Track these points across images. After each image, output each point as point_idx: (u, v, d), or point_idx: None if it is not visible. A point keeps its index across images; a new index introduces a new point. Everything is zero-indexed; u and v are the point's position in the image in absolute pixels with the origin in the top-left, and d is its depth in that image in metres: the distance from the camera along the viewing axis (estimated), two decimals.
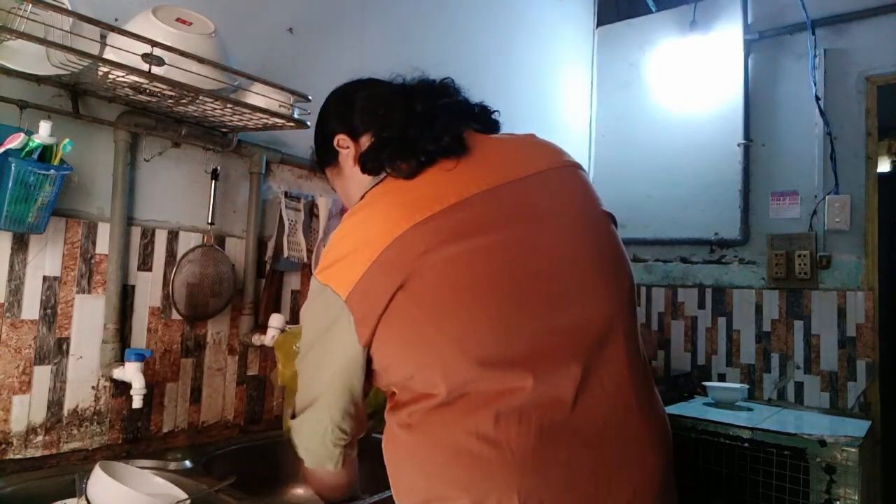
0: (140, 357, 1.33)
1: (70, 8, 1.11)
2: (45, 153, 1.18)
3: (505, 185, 0.87)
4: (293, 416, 0.97)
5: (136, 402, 1.31)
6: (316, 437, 0.92)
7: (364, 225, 0.86)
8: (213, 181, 1.58)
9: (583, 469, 0.81)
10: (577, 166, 0.97)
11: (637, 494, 0.84)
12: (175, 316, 1.53)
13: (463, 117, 0.97)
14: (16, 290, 1.26)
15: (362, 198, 0.93)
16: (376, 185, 0.93)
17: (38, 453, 1.29)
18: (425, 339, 0.81)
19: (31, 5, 1.05)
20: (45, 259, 1.31)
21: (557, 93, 3.15)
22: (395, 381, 0.86)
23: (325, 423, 0.90)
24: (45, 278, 1.31)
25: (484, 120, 1.01)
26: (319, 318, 0.87)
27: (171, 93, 1.26)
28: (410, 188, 0.87)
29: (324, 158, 1.11)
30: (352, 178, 1.04)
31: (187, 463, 1.35)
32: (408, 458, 0.86)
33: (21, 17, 1.06)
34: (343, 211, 1.95)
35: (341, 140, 1.04)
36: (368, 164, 0.95)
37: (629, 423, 0.85)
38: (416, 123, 0.92)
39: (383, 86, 1.05)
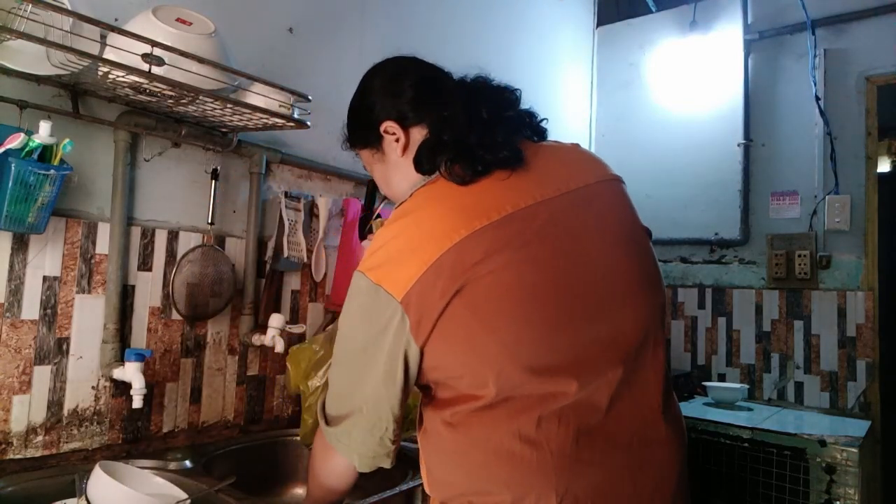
0: (140, 357, 1.33)
1: (70, 8, 1.11)
2: (45, 153, 1.18)
3: (555, 197, 0.89)
4: (328, 423, 0.94)
5: (136, 402, 1.31)
6: (373, 438, 0.90)
7: (420, 226, 0.85)
8: (213, 181, 1.58)
9: (614, 470, 0.85)
10: (619, 180, 1.00)
11: (658, 492, 0.89)
12: (175, 316, 1.53)
13: (521, 128, 0.97)
14: (16, 290, 1.26)
15: (411, 196, 0.92)
16: (426, 184, 0.92)
17: (38, 453, 1.29)
18: (479, 345, 0.82)
19: (31, 5, 1.05)
20: (45, 259, 1.31)
21: (557, 93, 3.15)
22: (440, 379, 0.87)
23: (384, 422, 0.88)
24: (45, 278, 1.31)
25: (535, 128, 1.00)
26: (372, 319, 0.85)
27: (171, 93, 1.26)
28: (466, 194, 0.87)
29: (362, 139, 1.06)
30: (397, 167, 1.01)
31: (187, 463, 1.35)
32: (449, 454, 0.88)
33: (21, 17, 1.06)
34: (343, 211, 1.95)
35: (390, 127, 0.99)
36: (425, 163, 0.93)
37: (656, 427, 0.90)
38: (478, 129, 0.91)
39: (441, 77, 1.03)
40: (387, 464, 0.93)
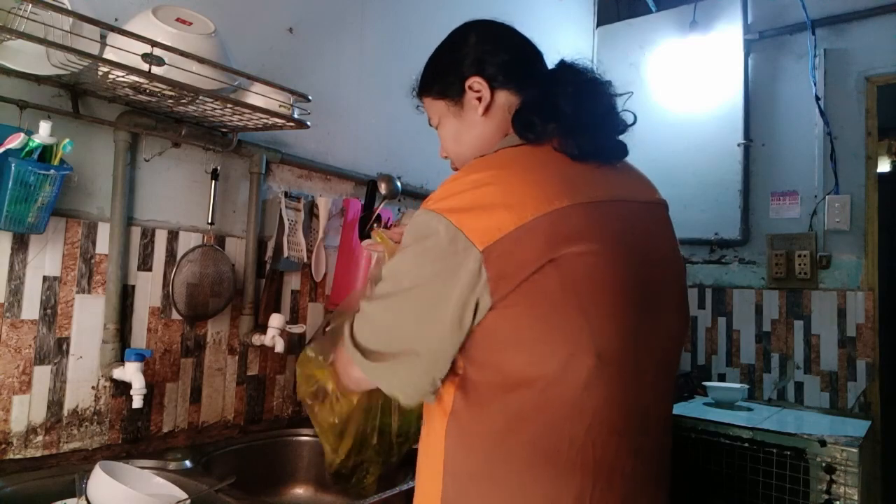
0: (140, 357, 1.33)
1: (70, 8, 1.11)
2: (45, 153, 1.18)
3: (635, 202, 0.90)
4: (366, 356, 0.86)
5: (136, 402, 1.31)
6: (426, 379, 0.83)
7: (517, 181, 0.81)
8: (213, 181, 1.58)
9: (638, 479, 0.85)
10: (667, 205, 1.01)
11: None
12: (175, 316, 1.53)
13: (623, 128, 0.96)
14: (16, 290, 1.26)
15: (499, 151, 0.89)
16: (520, 145, 0.89)
17: (38, 453, 1.29)
18: (562, 321, 0.78)
19: (31, 5, 1.05)
20: (45, 259, 1.31)
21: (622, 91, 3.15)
22: (495, 352, 0.81)
23: (441, 364, 0.83)
24: (45, 278, 1.31)
25: (626, 128, 0.99)
26: (444, 263, 0.79)
27: (171, 93, 1.26)
28: (571, 166, 0.85)
29: (441, 88, 1.01)
30: (473, 125, 0.98)
31: (187, 463, 1.35)
32: (485, 444, 0.83)
33: (21, 17, 1.06)
34: (343, 211, 1.95)
35: (476, 83, 0.96)
36: (537, 127, 0.88)
37: (666, 437, 0.92)
38: (597, 114, 0.90)
39: (538, 51, 1.03)
40: (431, 399, 0.86)
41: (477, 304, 0.78)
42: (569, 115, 0.88)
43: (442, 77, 1.01)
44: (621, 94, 0.96)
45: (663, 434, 0.91)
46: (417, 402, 0.87)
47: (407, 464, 1.46)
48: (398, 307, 0.84)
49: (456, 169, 1.03)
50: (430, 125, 1.07)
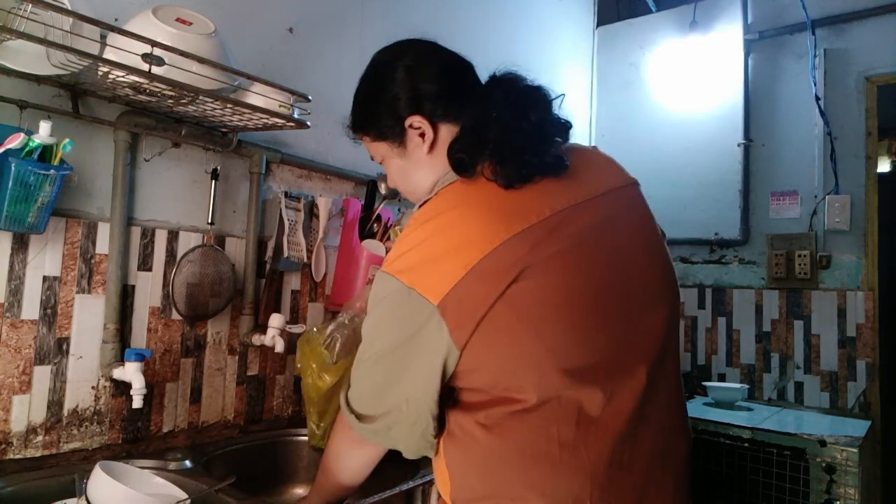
0: (140, 357, 1.33)
1: (70, 8, 1.11)
2: (45, 153, 1.18)
3: (588, 200, 0.88)
4: (360, 419, 0.92)
5: (136, 402, 1.31)
6: (414, 435, 0.88)
7: (457, 227, 0.82)
8: (213, 181, 1.58)
9: (642, 476, 0.86)
10: (637, 184, 1.00)
11: (677, 498, 0.92)
12: (175, 316, 1.53)
13: (560, 132, 0.94)
14: (16, 290, 1.26)
15: (438, 194, 0.89)
16: (455, 183, 0.88)
17: (38, 453, 1.29)
18: (522, 349, 0.80)
19: (31, 5, 1.05)
20: (45, 259, 1.31)
21: (557, 93, 3.14)
22: (475, 382, 0.85)
23: (424, 420, 0.86)
24: (45, 278, 1.31)
25: (564, 130, 0.97)
26: (404, 323, 0.83)
27: (171, 93, 1.26)
28: (504, 196, 0.84)
29: (378, 131, 0.98)
30: (420, 165, 0.96)
31: (187, 463, 1.35)
32: (480, 457, 0.86)
33: (21, 17, 1.06)
34: (343, 211, 1.95)
35: (416, 122, 0.94)
36: (467, 163, 0.87)
37: (676, 431, 0.94)
38: (527, 133, 0.88)
39: (469, 68, 0.99)
40: (431, 454, 0.91)
41: (446, 358, 0.82)
42: (497, 142, 0.86)
43: (377, 119, 0.98)
44: (555, 98, 0.95)
45: (669, 419, 0.91)
46: (420, 454, 0.92)
47: (406, 463, 1.46)
48: (377, 369, 0.89)
49: (409, 200, 1.06)
50: (373, 160, 1.06)
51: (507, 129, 0.87)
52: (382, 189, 1.91)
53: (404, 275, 0.82)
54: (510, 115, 0.89)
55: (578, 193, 0.88)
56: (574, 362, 0.81)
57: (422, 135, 0.95)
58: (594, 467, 0.81)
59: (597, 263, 0.85)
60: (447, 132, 0.95)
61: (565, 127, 0.95)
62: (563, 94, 0.96)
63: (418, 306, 0.80)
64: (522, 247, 0.80)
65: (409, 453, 0.92)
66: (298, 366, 1.52)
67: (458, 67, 0.99)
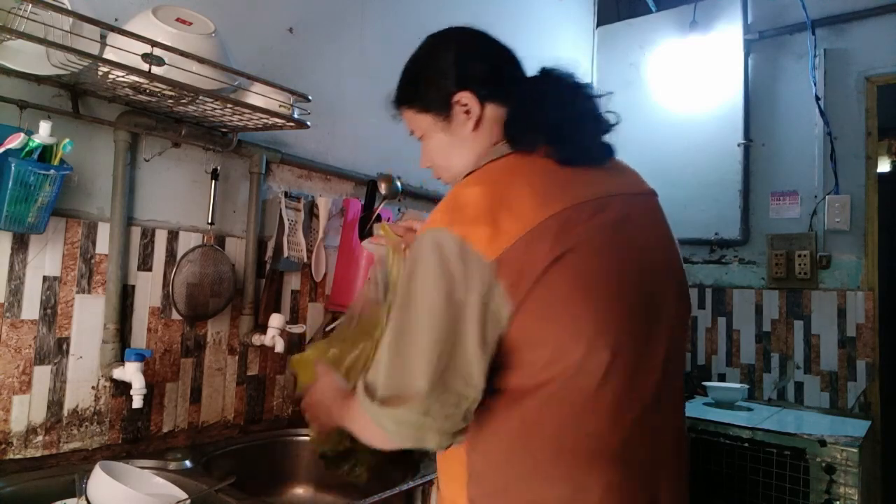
0: (140, 357, 1.33)
1: (70, 8, 1.11)
2: (45, 153, 1.18)
3: (623, 195, 0.91)
4: (387, 404, 0.80)
5: (136, 402, 1.31)
6: (459, 412, 0.78)
7: (514, 191, 0.82)
8: (213, 181, 1.58)
9: (654, 464, 0.87)
10: (656, 194, 1.03)
11: (682, 489, 0.94)
12: (175, 316, 1.53)
13: (607, 130, 0.97)
14: (16, 290, 1.26)
15: (487, 165, 0.90)
16: (509, 155, 0.90)
17: (38, 453, 1.29)
18: (575, 315, 0.79)
19: (31, 5, 1.05)
20: (45, 259, 1.31)
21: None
22: (519, 353, 0.80)
23: (473, 390, 0.78)
24: (45, 278, 1.31)
25: (610, 126, 1.00)
26: (456, 281, 0.77)
27: (171, 93, 1.26)
28: (560, 172, 0.86)
29: (425, 103, 0.99)
30: (464, 142, 0.97)
31: (187, 463, 1.35)
32: (511, 445, 0.83)
33: (21, 17, 1.06)
34: (343, 211, 1.95)
35: (465, 99, 0.94)
36: (526, 139, 0.90)
37: (680, 432, 0.94)
38: (579, 118, 0.92)
39: (515, 58, 1.02)
40: (462, 439, 0.82)
41: (499, 318, 0.78)
42: (554, 124, 0.90)
43: (425, 92, 0.99)
44: (602, 95, 0.98)
45: (675, 415, 0.93)
46: (450, 442, 0.82)
47: (404, 463, 1.46)
48: (414, 338, 0.80)
49: (440, 178, 1.05)
50: (413, 135, 1.06)
51: (564, 113, 0.91)
52: (382, 189, 1.91)
53: (459, 228, 0.79)
54: (567, 100, 0.93)
55: (615, 186, 0.92)
56: (617, 339, 0.81)
57: (467, 112, 0.95)
58: (621, 455, 0.82)
59: (631, 253, 0.87)
60: (492, 112, 0.96)
61: (609, 123, 0.98)
62: (612, 92, 1.00)
63: (472, 263, 0.77)
64: (579, 219, 0.82)
65: (441, 442, 0.81)
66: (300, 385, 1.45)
67: (507, 54, 1.02)
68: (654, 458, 0.87)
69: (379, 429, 0.83)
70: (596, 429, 0.81)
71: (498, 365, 0.81)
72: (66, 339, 1.34)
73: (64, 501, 1.07)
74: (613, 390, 0.81)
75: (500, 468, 0.85)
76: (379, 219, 1.95)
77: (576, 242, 0.80)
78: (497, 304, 0.78)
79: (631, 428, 0.83)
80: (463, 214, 0.80)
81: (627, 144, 1.05)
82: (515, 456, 0.83)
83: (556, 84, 0.96)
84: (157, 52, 1.16)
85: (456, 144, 0.98)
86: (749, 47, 2.87)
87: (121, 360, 1.37)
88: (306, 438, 1.68)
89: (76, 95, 1.33)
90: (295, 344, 1.81)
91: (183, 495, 1.12)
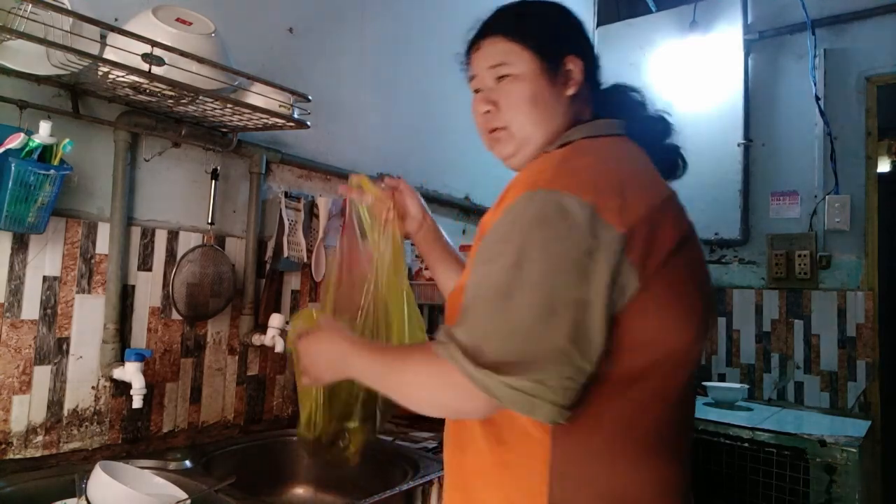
0: (140, 357, 1.33)
1: (70, 8, 1.11)
2: (45, 153, 1.18)
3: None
4: (499, 371, 0.69)
5: (136, 402, 1.31)
6: (576, 384, 0.71)
7: (630, 167, 0.83)
8: (213, 181, 1.58)
9: (683, 459, 0.89)
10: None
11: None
12: (175, 316, 1.53)
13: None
14: (16, 290, 1.26)
15: (584, 140, 0.88)
16: (612, 136, 0.90)
17: (38, 453, 1.29)
18: (688, 307, 0.79)
19: (31, 5, 1.05)
20: (45, 259, 1.31)
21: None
22: (634, 342, 0.75)
23: (594, 354, 0.71)
24: (45, 278, 1.31)
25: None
26: (580, 244, 0.71)
27: (171, 93, 1.26)
28: (650, 162, 0.89)
29: (535, 43, 0.91)
30: (557, 101, 0.91)
31: (187, 463, 1.35)
32: (596, 447, 0.78)
33: (21, 17, 1.06)
34: (343, 211, 1.95)
35: (576, 62, 0.93)
36: (623, 126, 0.93)
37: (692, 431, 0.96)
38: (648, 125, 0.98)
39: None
40: (569, 415, 0.72)
41: (622, 290, 0.72)
42: (652, 119, 0.98)
43: (544, 35, 0.93)
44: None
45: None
46: (561, 419, 0.71)
47: (404, 463, 1.46)
48: (531, 297, 0.71)
49: (493, 132, 0.94)
50: (475, 79, 0.98)
51: (644, 115, 0.99)
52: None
53: (586, 194, 0.72)
54: (641, 102, 1.02)
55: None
56: (705, 336, 0.83)
57: (571, 78, 0.93)
58: (684, 449, 0.85)
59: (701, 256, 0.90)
60: (586, 91, 0.96)
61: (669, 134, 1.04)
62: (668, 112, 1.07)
63: (604, 232, 0.71)
64: (680, 208, 0.84)
65: (561, 416, 0.71)
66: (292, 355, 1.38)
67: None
68: (687, 445, 0.90)
69: (479, 392, 0.72)
70: (679, 418, 0.83)
71: (614, 347, 0.74)
72: (66, 339, 1.34)
73: (64, 501, 1.07)
74: (691, 381, 0.83)
75: (596, 457, 0.77)
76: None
77: (688, 230, 0.81)
78: (625, 279, 0.72)
79: (688, 426, 0.87)
80: (582, 180, 0.75)
81: None
82: (618, 444, 0.77)
83: (634, 93, 1.03)
84: (157, 52, 1.16)
85: (549, 100, 0.90)
86: (749, 47, 2.88)
87: (121, 360, 1.37)
88: None
89: (76, 95, 1.33)
90: None
91: (183, 495, 1.12)
